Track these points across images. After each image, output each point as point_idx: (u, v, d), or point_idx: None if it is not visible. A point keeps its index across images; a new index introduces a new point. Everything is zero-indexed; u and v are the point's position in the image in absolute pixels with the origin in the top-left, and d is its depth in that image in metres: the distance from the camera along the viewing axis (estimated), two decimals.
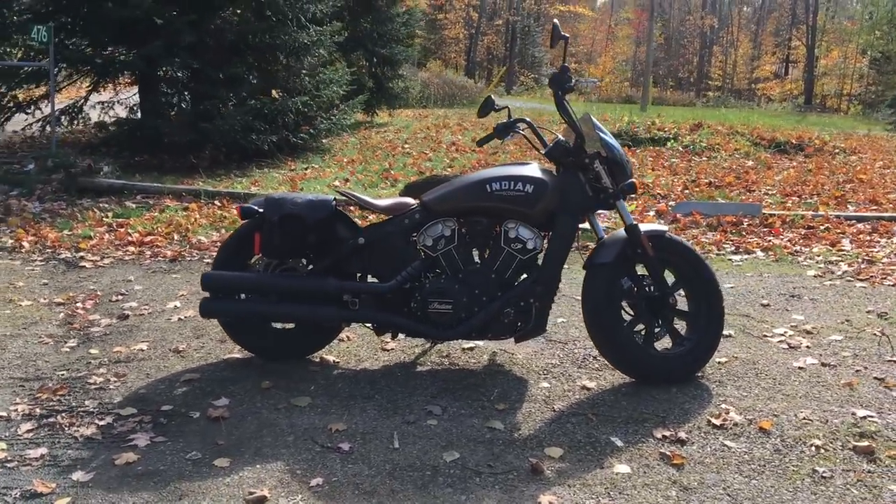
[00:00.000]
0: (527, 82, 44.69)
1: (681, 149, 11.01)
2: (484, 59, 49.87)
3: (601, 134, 3.54)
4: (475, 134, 12.96)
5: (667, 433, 3.08)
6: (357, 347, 3.96)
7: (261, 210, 3.52)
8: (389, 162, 9.83)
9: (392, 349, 3.94)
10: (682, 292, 3.66)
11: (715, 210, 7.03)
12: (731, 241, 6.27)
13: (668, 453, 2.92)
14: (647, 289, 3.56)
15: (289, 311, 3.57)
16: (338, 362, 3.78)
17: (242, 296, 3.64)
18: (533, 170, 3.55)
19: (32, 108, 9.69)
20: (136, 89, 10.08)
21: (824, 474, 2.80)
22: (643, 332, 3.59)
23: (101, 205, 7.18)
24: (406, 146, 11.16)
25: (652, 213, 7.03)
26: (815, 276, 5.37)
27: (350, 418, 3.20)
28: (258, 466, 2.82)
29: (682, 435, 3.07)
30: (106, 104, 10.08)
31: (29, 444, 2.94)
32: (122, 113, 9.79)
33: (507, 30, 49.22)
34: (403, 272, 3.52)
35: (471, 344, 3.97)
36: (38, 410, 3.21)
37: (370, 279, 3.67)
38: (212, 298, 3.60)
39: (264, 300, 3.59)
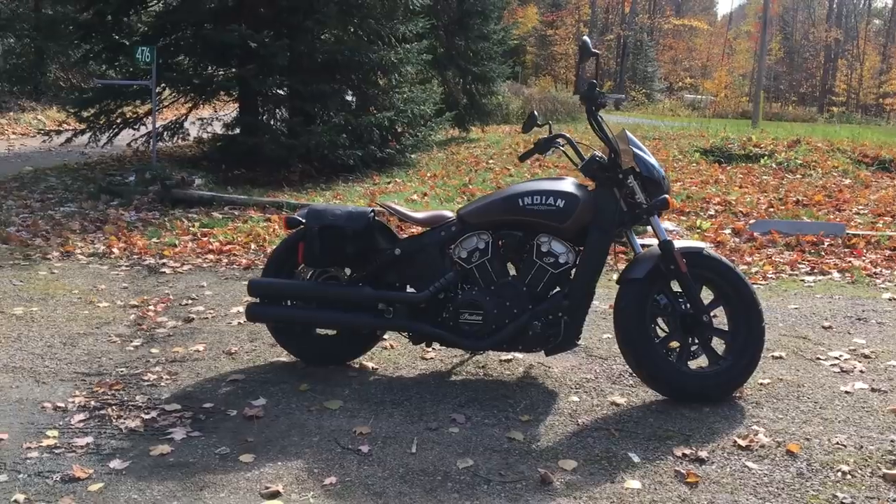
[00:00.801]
0: (638, 98, 43.97)
1: (774, 166, 10.67)
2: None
3: (635, 150, 3.54)
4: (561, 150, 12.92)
5: (687, 451, 3.05)
6: (398, 356, 4.07)
7: (303, 221, 3.70)
8: (470, 177, 9.96)
9: (431, 358, 4.03)
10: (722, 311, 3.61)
11: (795, 229, 6.80)
12: (808, 261, 6.06)
13: (683, 471, 2.89)
14: (681, 306, 3.53)
15: (327, 318, 3.72)
16: (376, 369, 3.90)
17: (289, 302, 3.83)
18: (566, 185, 3.58)
19: (138, 124, 10.31)
20: (234, 106, 10.59)
21: (844, 500, 2.72)
22: (677, 350, 3.56)
23: (190, 215, 7.59)
24: (490, 161, 11.27)
25: (728, 231, 6.86)
26: (889, 300, 5.13)
27: (376, 422, 3.30)
28: (279, 463, 2.96)
29: (703, 454, 3.03)
30: (205, 121, 10.63)
31: (77, 433, 3.18)
32: (221, 129, 10.28)
33: (618, 44, 48.69)
34: (437, 283, 3.62)
35: (508, 356, 4.02)
36: (92, 403, 3.47)
37: (409, 290, 3.77)
38: (258, 304, 3.79)
39: (306, 307, 3.76)
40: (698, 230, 6.91)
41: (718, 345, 3.63)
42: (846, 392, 3.62)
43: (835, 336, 4.41)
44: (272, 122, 10.52)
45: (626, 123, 21.20)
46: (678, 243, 3.58)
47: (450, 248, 3.69)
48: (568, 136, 3.73)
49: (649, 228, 6.56)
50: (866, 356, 4.08)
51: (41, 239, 6.60)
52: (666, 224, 7.00)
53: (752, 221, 7.20)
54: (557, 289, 3.61)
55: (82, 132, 10.22)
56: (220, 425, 3.29)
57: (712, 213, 7.71)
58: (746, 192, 8.79)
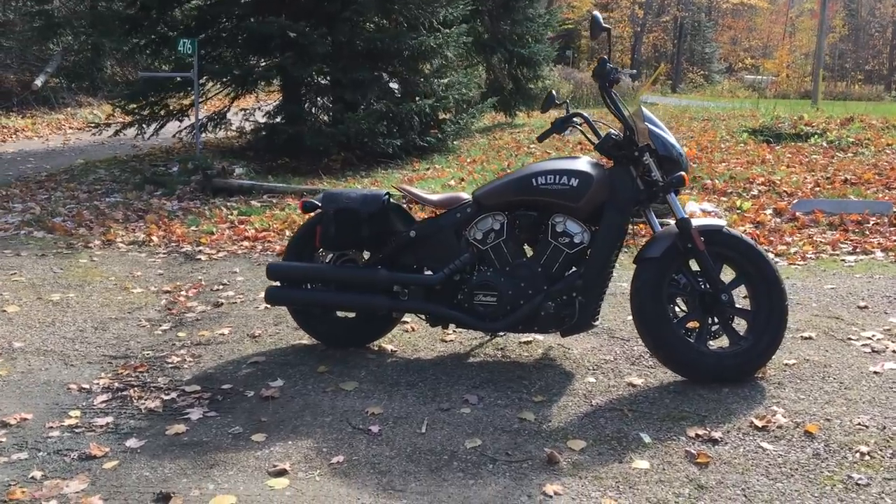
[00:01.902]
0: (695, 79, 43.00)
1: (825, 144, 10.34)
2: (651, 56, 48.56)
3: (651, 126, 3.48)
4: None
5: (701, 432, 2.99)
6: (418, 338, 4.08)
7: (320, 205, 3.72)
8: (510, 161, 9.89)
9: (451, 341, 4.03)
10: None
11: (839, 208, 6.60)
12: (851, 240, 5.88)
13: (694, 452, 2.84)
14: (699, 285, 3.46)
15: (343, 300, 3.75)
16: (395, 351, 3.92)
17: (308, 286, 3.86)
18: (581, 163, 3.54)
19: (183, 115, 10.50)
20: (277, 97, 10.71)
21: (860, 481, 2.64)
22: (696, 330, 3.49)
23: (229, 203, 7.71)
24: (532, 146, 11.17)
25: (769, 212, 6.69)
26: None
27: (389, 403, 3.32)
28: (290, 443, 3.00)
29: (717, 435, 2.97)
30: (248, 111, 10.78)
31: (99, 414, 3.27)
32: (263, 119, 10.40)
33: (675, 26, 47.65)
34: (451, 265, 3.61)
35: (528, 337, 4.00)
36: (115, 384, 3.56)
37: (427, 272, 3.77)
38: (278, 287, 3.84)
39: (323, 289, 3.79)
40: (738, 210, 6.75)
41: (741, 325, 3.55)
42: (875, 372, 3.51)
43: (870, 316, 4.27)
44: (313, 111, 10.59)
45: (677, 105, 20.82)
46: (697, 221, 3.50)
47: (465, 230, 3.68)
48: (585, 114, 3.67)
49: (689, 208, 6.46)
50: None
51: (85, 228, 6.78)
52: (705, 204, 6.87)
53: (795, 201, 7.01)
54: (573, 269, 3.57)
55: (129, 125, 10.44)
56: (236, 406, 3.34)
57: (755, 193, 7.52)
58: (793, 172, 8.55)
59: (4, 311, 4.55)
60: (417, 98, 10.44)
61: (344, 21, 9.55)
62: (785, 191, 7.55)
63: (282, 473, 2.77)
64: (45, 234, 6.62)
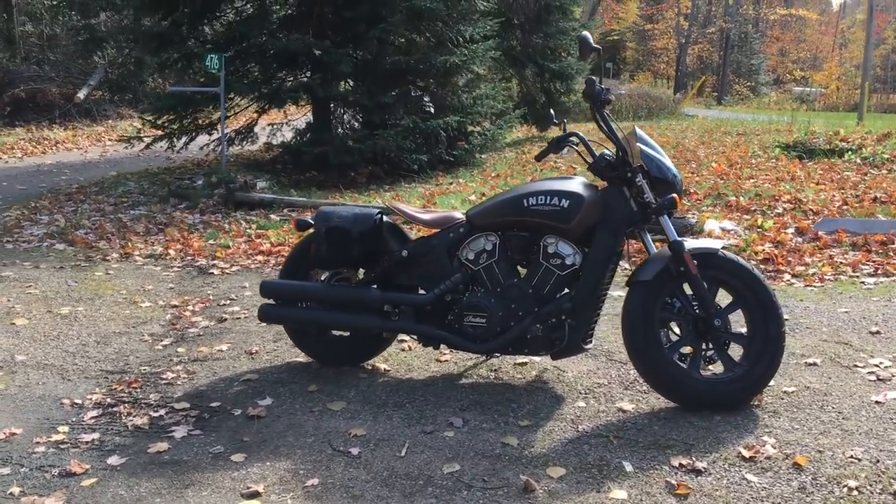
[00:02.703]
0: (742, 91, 42.34)
1: (859, 161, 10.10)
2: (696, 68, 47.96)
3: (643, 147, 3.42)
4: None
5: (685, 461, 2.91)
6: (413, 357, 4.05)
7: (313, 222, 3.73)
8: (533, 176, 9.84)
9: (445, 361, 3.99)
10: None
11: (864, 228, 6.43)
12: (874, 262, 5.71)
13: (674, 482, 2.77)
14: (693, 309, 3.38)
15: (335, 319, 3.74)
16: (388, 370, 3.90)
17: (305, 304, 3.86)
18: (573, 184, 3.49)
19: (212, 129, 10.65)
20: (305, 111, 10.81)
21: None
22: (690, 355, 3.41)
23: (249, 217, 7.78)
24: (558, 161, 11.09)
25: (791, 231, 6.54)
26: None
27: (373, 424, 3.30)
28: (268, 463, 2.99)
29: (702, 465, 2.89)
30: (276, 126, 10.89)
31: (86, 430, 3.30)
32: (291, 134, 10.51)
33: (721, 37, 47.02)
34: (442, 285, 3.58)
35: (524, 359, 3.94)
36: (108, 400, 3.59)
37: (421, 292, 3.75)
38: (272, 305, 3.85)
39: (316, 308, 3.78)
40: (759, 229, 6.61)
41: (739, 351, 3.46)
42: (876, 402, 3.39)
43: (881, 342, 4.14)
44: (340, 129, 10.66)
45: (716, 118, 20.57)
46: (692, 243, 3.44)
47: (458, 250, 3.65)
48: (581, 134, 3.62)
49: (708, 226, 6.35)
50: None
51: (105, 241, 6.89)
52: (725, 223, 6.75)
53: (819, 220, 6.85)
54: (566, 291, 3.52)
55: (160, 138, 10.61)
56: (221, 424, 3.35)
57: (780, 211, 7.37)
58: (822, 189, 8.37)
59: (13, 323, 4.63)
60: (445, 114, 10.45)
61: (370, 40, 9.62)
62: (811, 209, 7.38)
63: (254, 495, 2.76)
64: (66, 246, 6.75)
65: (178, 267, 6.11)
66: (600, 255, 3.41)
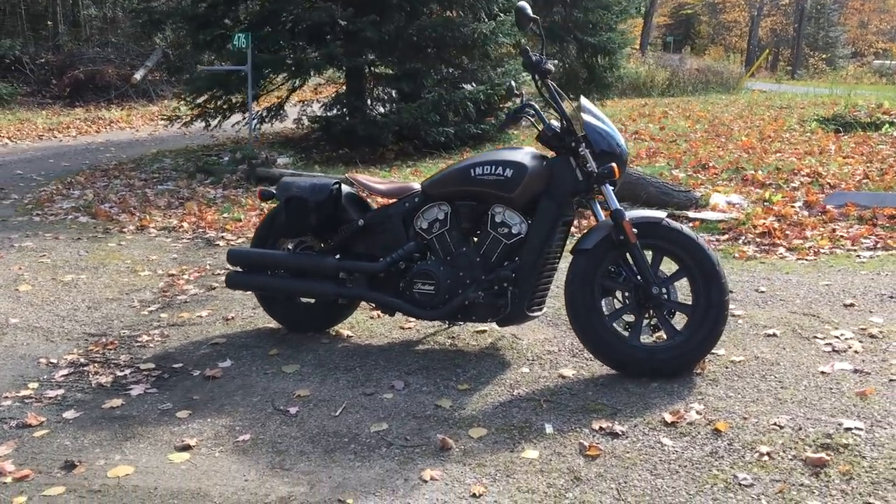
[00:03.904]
0: (817, 65, 40.74)
1: (895, 134, 9.78)
2: (770, 41, 46.44)
3: (585, 117, 3.45)
4: (671, 121, 12.44)
5: (605, 425, 2.97)
6: (379, 325, 4.17)
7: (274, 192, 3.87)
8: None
9: (409, 328, 4.10)
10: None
11: (874, 201, 6.27)
12: (878, 236, 5.58)
13: (587, 444, 2.83)
14: (635, 278, 3.41)
15: (294, 286, 3.88)
16: (350, 336, 4.03)
17: (271, 271, 4.01)
18: (518, 154, 3.54)
19: (245, 108, 10.88)
20: (333, 89, 10.98)
21: (743, 481, 2.58)
22: (630, 323, 3.45)
23: None
24: None
25: (798, 205, 6.42)
26: None
27: (319, 386, 3.43)
28: (209, 420, 3.15)
29: (621, 428, 2.94)
30: (305, 103, 11.09)
31: (53, 386, 3.52)
32: (320, 111, 10.68)
33: (796, 9, 45.32)
34: (394, 253, 3.68)
35: (484, 327, 4.02)
36: (81, 360, 3.81)
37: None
38: (238, 272, 4.01)
39: (280, 275, 3.93)
40: (765, 203, 6.51)
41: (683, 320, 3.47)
42: (822, 372, 3.37)
43: (851, 315, 4.08)
44: (370, 102, 10.79)
45: (776, 91, 20.00)
46: (636, 213, 3.46)
47: (413, 220, 3.74)
48: (535, 105, 3.65)
49: (713, 199, 6.28)
50: (873, 336, 3.76)
51: (127, 214, 7.18)
52: (732, 196, 6.66)
53: (830, 194, 6.70)
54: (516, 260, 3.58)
55: (197, 117, 10.91)
56: (178, 384, 3.53)
57: (796, 184, 7.22)
58: (848, 163, 8.15)
59: (17, 289, 4.91)
60: (471, 85, 10.49)
61: (395, 8, 9.70)
62: (828, 183, 7.21)
63: (186, 448, 2.93)
64: (88, 219, 7.05)
65: (188, 239, 6.34)
66: (543, 223, 3.46)
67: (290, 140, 11.11)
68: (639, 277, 3.39)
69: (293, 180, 3.88)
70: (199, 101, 10.74)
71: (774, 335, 3.82)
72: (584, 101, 3.55)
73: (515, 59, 11.58)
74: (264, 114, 10.90)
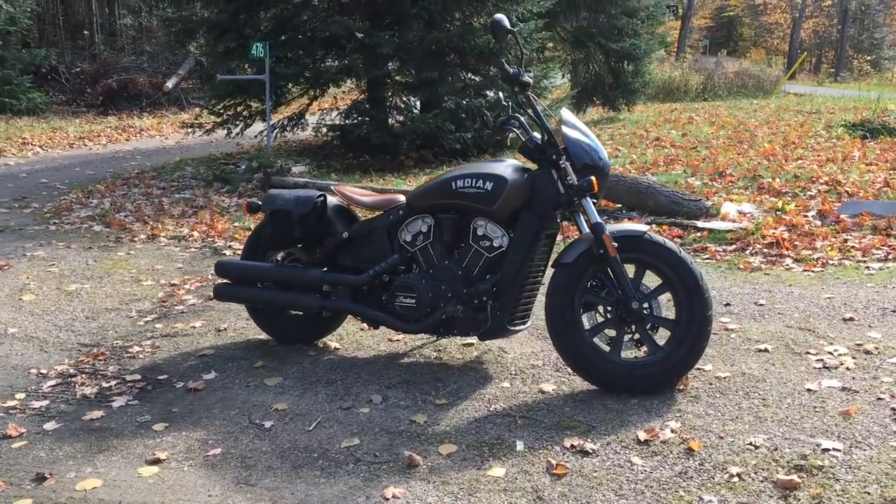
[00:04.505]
0: (862, 67, 39.86)
1: None
2: (813, 44, 45.62)
3: (566, 130, 3.41)
4: (695, 127, 12.29)
5: (577, 443, 2.92)
6: (368, 337, 4.15)
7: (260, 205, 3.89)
8: None
9: (396, 341, 4.09)
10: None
11: (890, 211, 6.11)
12: (889, 246, 5.44)
13: (554, 462, 2.79)
14: (617, 292, 3.35)
15: (279, 298, 3.88)
16: (338, 349, 4.02)
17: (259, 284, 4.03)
18: (500, 167, 3.51)
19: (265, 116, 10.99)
20: (351, 98, 11.04)
21: (709, 502, 2.51)
22: (612, 338, 3.40)
23: None
24: (608, 143, 10.91)
25: (811, 214, 6.28)
26: None
27: (298, 400, 3.43)
28: (184, 433, 3.17)
29: (593, 447, 2.90)
30: (325, 111, 11.15)
31: (39, 397, 3.56)
32: (339, 120, 10.73)
33: (839, 10, 44.44)
34: (377, 266, 3.67)
35: (472, 340, 3.99)
36: (70, 371, 3.86)
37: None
38: (227, 284, 4.03)
39: (266, 288, 3.94)
40: (778, 212, 6.38)
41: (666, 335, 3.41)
42: (808, 390, 3.29)
43: (849, 329, 3.98)
44: (387, 111, 10.82)
45: (814, 95, 19.67)
46: (618, 227, 3.41)
47: (398, 232, 3.73)
48: (520, 118, 3.62)
49: (725, 208, 6.18)
50: (868, 352, 3.66)
51: (140, 223, 7.27)
52: (745, 206, 6.54)
53: (845, 203, 6.55)
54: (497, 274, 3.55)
55: (219, 125, 11.03)
56: (160, 396, 3.55)
57: (813, 193, 7.07)
58: (871, 171, 7.97)
59: (21, 299, 4.99)
60: (492, 92, 10.46)
61: (413, 18, 9.72)
62: (846, 191, 7.06)
63: (156, 462, 2.94)
64: (102, 227, 7.16)
65: (196, 248, 6.40)
66: (524, 237, 3.42)
67: (309, 148, 11.19)
68: (619, 292, 3.33)
69: (279, 193, 3.89)
70: (220, 108, 10.85)
71: (766, 350, 3.74)
72: (565, 113, 3.51)
73: (535, 66, 11.54)
74: (285, 122, 10.98)
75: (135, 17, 27.20)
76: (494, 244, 3.49)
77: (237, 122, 10.90)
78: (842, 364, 3.53)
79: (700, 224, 6.09)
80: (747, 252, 5.52)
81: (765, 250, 5.50)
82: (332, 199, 3.91)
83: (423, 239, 3.64)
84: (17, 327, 4.48)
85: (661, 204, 6.43)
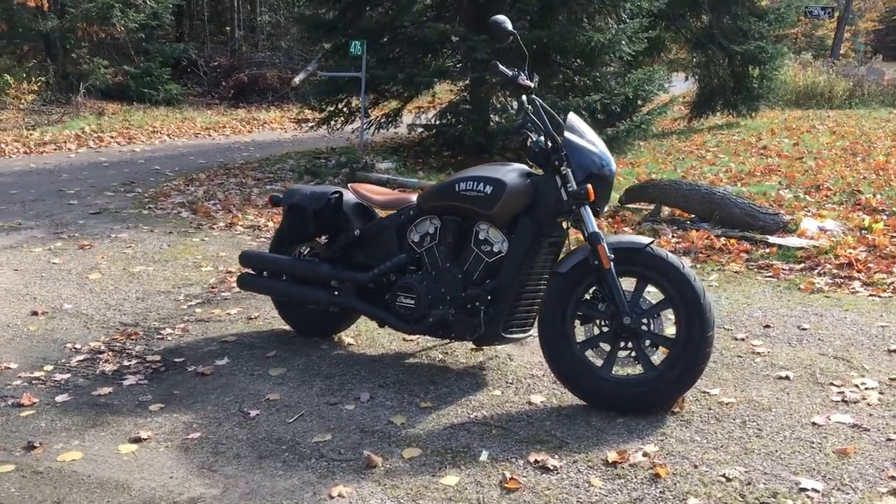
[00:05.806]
0: None
1: None
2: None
3: (569, 135, 3.31)
4: (812, 136, 11.60)
5: (541, 458, 2.84)
6: (383, 335, 4.16)
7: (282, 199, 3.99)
8: (664, 166, 9.40)
9: (411, 340, 4.08)
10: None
11: None
12: None
13: (509, 476, 2.72)
14: (612, 306, 3.23)
15: (292, 292, 3.97)
16: (350, 344, 4.07)
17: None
18: (502, 171, 3.45)
19: (366, 113, 11.22)
20: (448, 98, 11.14)
21: None
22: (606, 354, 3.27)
23: None
24: (711, 150, 10.47)
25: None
26: None
27: (290, 392, 3.50)
28: (174, 416, 3.30)
29: (556, 463, 2.81)
30: (422, 109, 11.28)
31: (64, 371, 3.79)
32: (434, 119, 10.83)
33: None
34: (383, 265, 3.69)
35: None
36: (101, 347, 4.08)
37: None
38: (251, 274, 4.16)
39: (285, 280, 4.03)
40: (864, 231, 5.94)
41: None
42: (813, 423, 3.06)
43: (891, 362, 3.66)
44: (488, 112, 10.82)
45: None
46: (620, 238, 3.29)
47: (407, 232, 3.73)
48: (537, 122, 3.54)
49: (804, 224, 5.84)
50: (893, 386, 3.37)
51: (224, 211, 7.60)
52: (827, 223, 6.13)
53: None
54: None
55: (323, 121, 11.37)
56: (168, 378, 3.70)
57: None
58: None
59: (88, 277, 5.33)
60: (586, 94, 10.27)
61: (514, 19, 9.67)
62: (871, 204, 6.49)
63: (137, 440, 3.07)
64: (189, 214, 7.52)
65: (266, 238, 6.61)
66: (521, 242, 3.35)
67: (401, 146, 11.34)
68: (613, 305, 3.21)
69: (299, 188, 3.98)
70: (323, 104, 11.18)
71: (786, 378, 3.50)
72: (572, 118, 3.41)
73: (641, 69, 11.23)
74: (382, 120, 11.18)
75: (273, 14, 28.38)
76: (494, 249, 3.43)
77: (337, 119, 11.19)
78: (864, 399, 3.26)
79: (771, 240, 5.75)
80: (815, 272, 5.17)
81: (834, 271, 5.14)
82: (349, 196, 3.96)
83: (430, 240, 3.63)
84: (73, 304, 4.78)
85: (734, 216, 6.12)
